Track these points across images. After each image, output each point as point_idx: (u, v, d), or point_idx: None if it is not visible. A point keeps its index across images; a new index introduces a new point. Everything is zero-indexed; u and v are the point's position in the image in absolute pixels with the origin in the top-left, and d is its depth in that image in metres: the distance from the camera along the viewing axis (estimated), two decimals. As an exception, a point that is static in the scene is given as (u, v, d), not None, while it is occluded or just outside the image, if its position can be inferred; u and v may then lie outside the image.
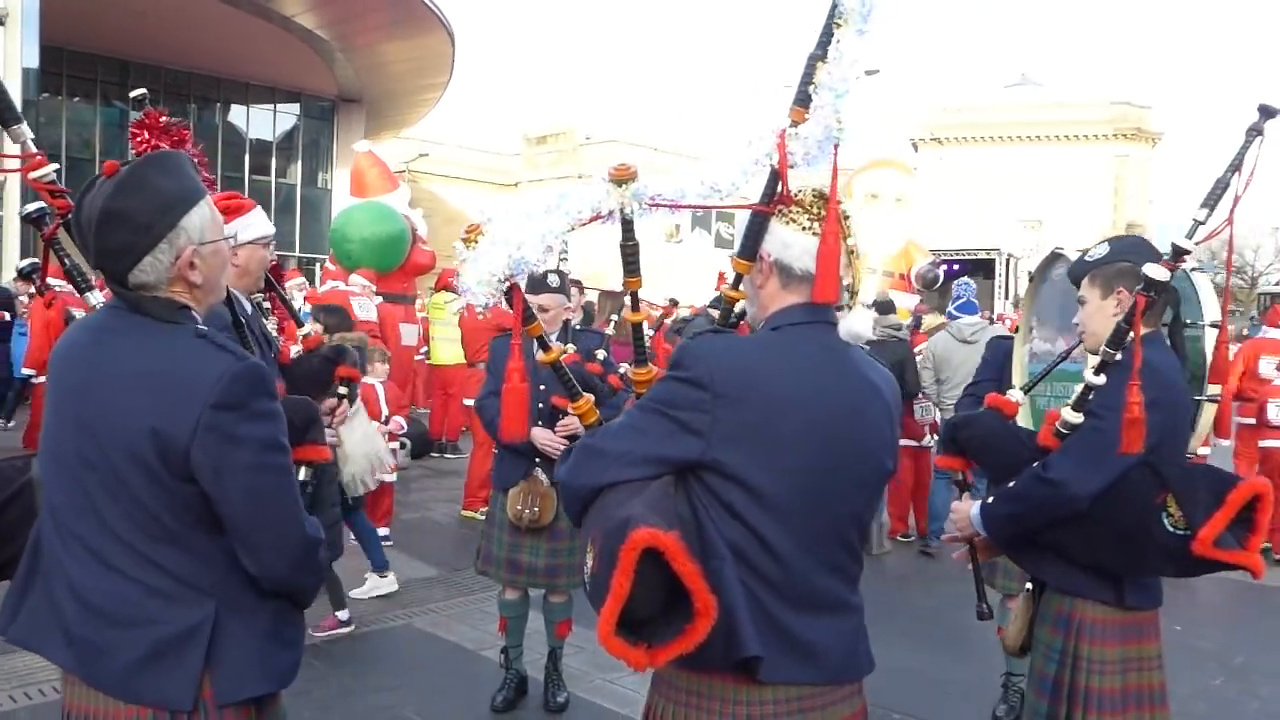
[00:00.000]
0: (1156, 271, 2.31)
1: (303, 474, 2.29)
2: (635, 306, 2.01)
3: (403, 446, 9.50)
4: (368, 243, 10.86)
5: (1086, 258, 2.63)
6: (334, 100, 34.62)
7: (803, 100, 1.82)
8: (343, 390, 2.98)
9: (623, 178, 1.82)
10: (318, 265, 27.91)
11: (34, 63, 22.74)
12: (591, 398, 2.01)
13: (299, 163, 35.17)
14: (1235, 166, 2.29)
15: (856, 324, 1.94)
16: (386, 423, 7.04)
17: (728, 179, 1.86)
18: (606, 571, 1.59)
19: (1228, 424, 9.37)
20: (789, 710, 1.80)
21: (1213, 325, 3.26)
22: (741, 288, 1.98)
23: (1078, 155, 45.17)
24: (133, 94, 3.06)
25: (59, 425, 1.82)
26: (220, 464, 1.73)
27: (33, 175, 1.98)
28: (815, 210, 1.84)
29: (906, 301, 13.30)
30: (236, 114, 34.28)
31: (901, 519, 7.98)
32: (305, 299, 11.53)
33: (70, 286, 2.12)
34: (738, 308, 2.04)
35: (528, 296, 2.12)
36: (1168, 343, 2.61)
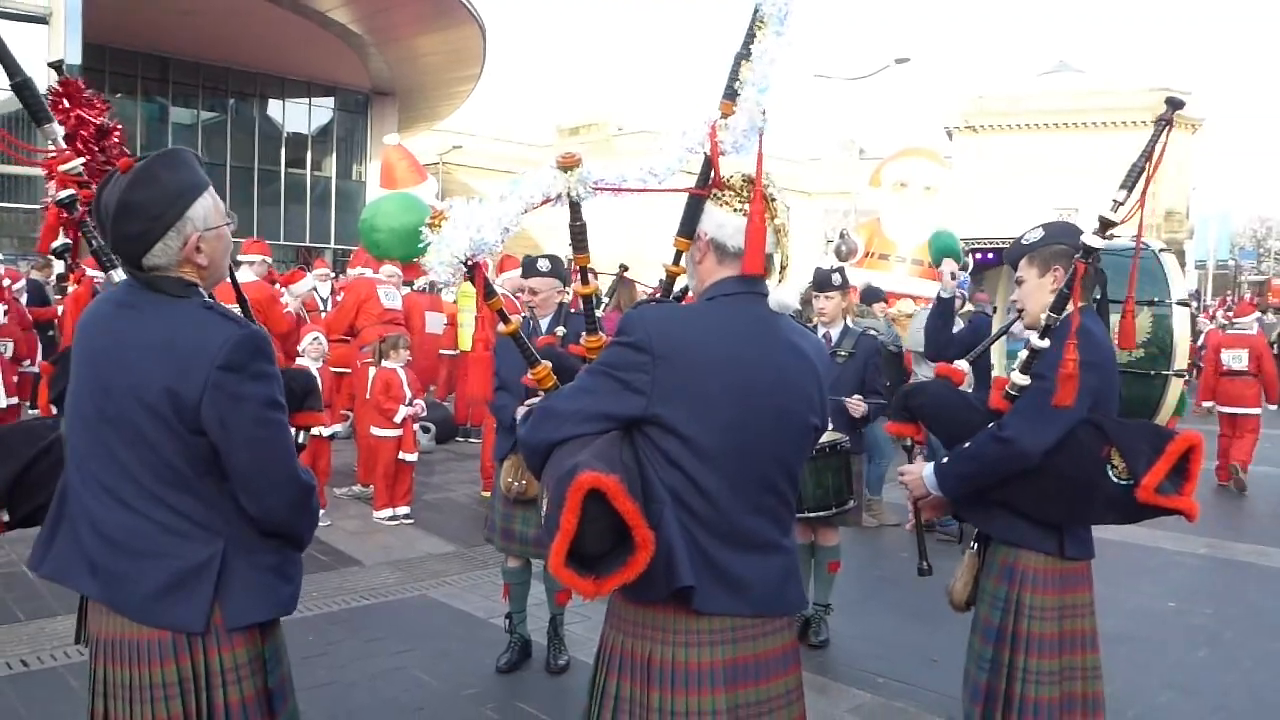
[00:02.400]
0: (1094, 240, 2.52)
1: (300, 437, 2.54)
2: (585, 280, 2.24)
3: (426, 431, 9.81)
4: (395, 233, 11.09)
5: (1023, 241, 2.83)
6: (368, 94, 35.13)
7: (730, 95, 2.03)
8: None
9: (569, 164, 2.04)
10: (352, 256, 28.36)
11: (76, 59, 23.31)
12: (549, 365, 2.23)
13: (333, 156, 35.75)
14: (1148, 153, 2.49)
15: (784, 295, 2.11)
16: (410, 405, 7.34)
17: (664, 165, 2.07)
18: (556, 510, 1.82)
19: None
20: (723, 640, 2.02)
21: (1180, 304, 3.43)
22: (682, 263, 2.19)
23: (1115, 142, 44.52)
24: (50, 61, 3.08)
25: (82, 386, 2.07)
26: (226, 418, 1.97)
27: (62, 168, 2.23)
28: (745, 193, 2.06)
29: (933, 289, 13.34)
30: (273, 108, 34.90)
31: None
32: (333, 288, 11.87)
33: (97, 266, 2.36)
34: (679, 282, 2.26)
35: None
36: (1096, 314, 2.81)
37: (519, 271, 5.36)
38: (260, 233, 31.46)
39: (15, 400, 8.70)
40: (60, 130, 2.26)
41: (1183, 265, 42.12)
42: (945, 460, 2.79)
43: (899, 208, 15.11)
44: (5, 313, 8.78)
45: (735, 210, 2.05)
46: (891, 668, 4.76)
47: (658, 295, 2.45)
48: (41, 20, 22.78)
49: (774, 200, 2.06)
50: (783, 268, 2.11)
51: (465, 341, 10.92)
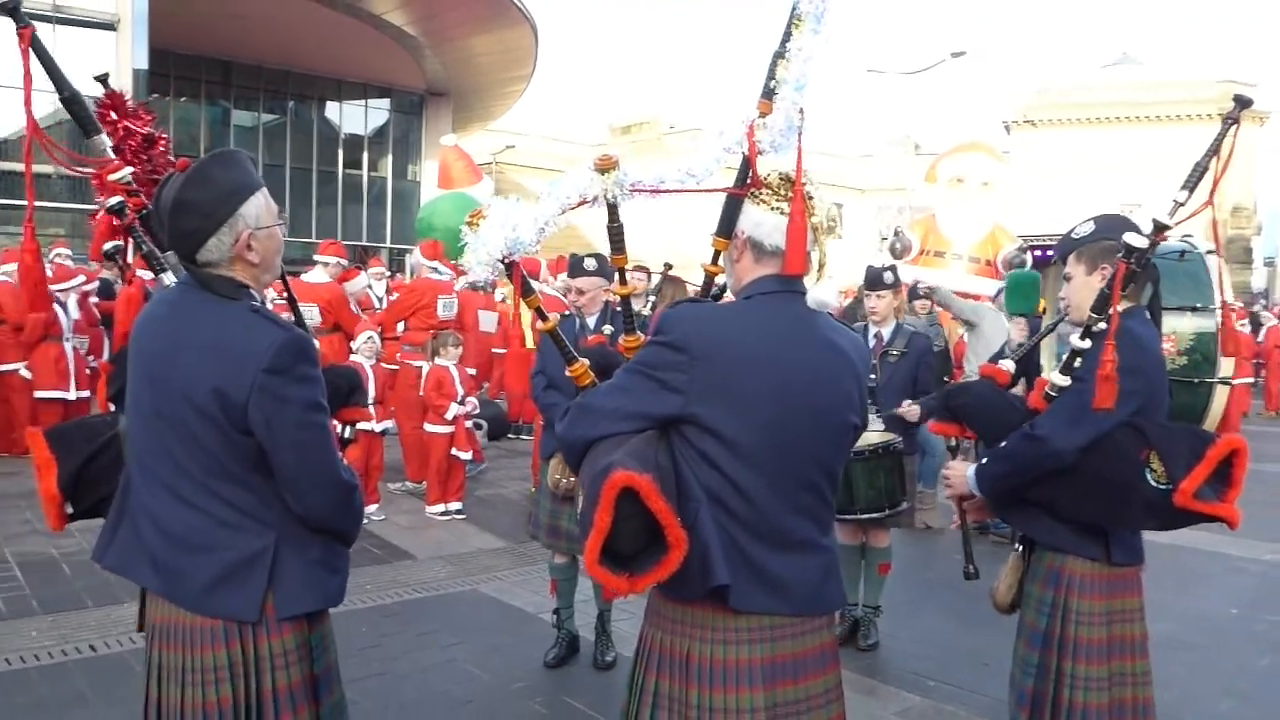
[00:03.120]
0: (1136, 239, 2.46)
1: (347, 432, 2.60)
2: (623, 280, 2.26)
3: (479, 428, 9.92)
4: (451, 231, 11.21)
5: (1073, 235, 2.77)
6: (422, 95, 35.53)
7: (767, 94, 2.03)
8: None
9: (606, 166, 2.06)
10: (407, 256, 28.73)
11: (143, 65, 23.96)
12: (587, 362, 2.26)
13: (389, 156, 36.22)
14: (1214, 150, 2.42)
15: (822, 293, 2.10)
16: (462, 403, 7.43)
17: (702, 166, 2.08)
18: (590, 508, 1.85)
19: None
20: (761, 638, 2.02)
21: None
22: (720, 262, 2.20)
23: (1179, 136, 43.36)
24: (94, 75, 3.05)
25: (139, 385, 2.15)
26: (271, 419, 2.03)
27: (111, 177, 2.31)
28: (783, 192, 2.06)
29: (990, 288, 13.14)
30: (331, 110, 35.47)
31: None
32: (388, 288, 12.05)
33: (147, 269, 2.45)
34: (718, 280, 2.26)
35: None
36: (1148, 317, 2.74)
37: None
38: (319, 233, 32.07)
39: (86, 394, 8.98)
40: (108, 141, 2.34)
41: (1249, 261, 40.92)
42: (984, 460, 2.76)
43: (955, 204, 14.89)
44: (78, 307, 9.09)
45: (773, 209, 2.05)
46: (942, 671, 4.71)
47: (700, 294, 2.46)
48: (110, 27, 23.43)
49: (812, 199, 2.05)
50: (821, 266, 2.10)
51: (527, 340, 10.99)
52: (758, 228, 2.08)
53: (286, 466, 2.07)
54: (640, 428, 2.00)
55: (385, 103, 36.11)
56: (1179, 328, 3.16)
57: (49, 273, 9.83)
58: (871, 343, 5.08)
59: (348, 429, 2.58)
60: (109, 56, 23.29)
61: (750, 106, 2.10)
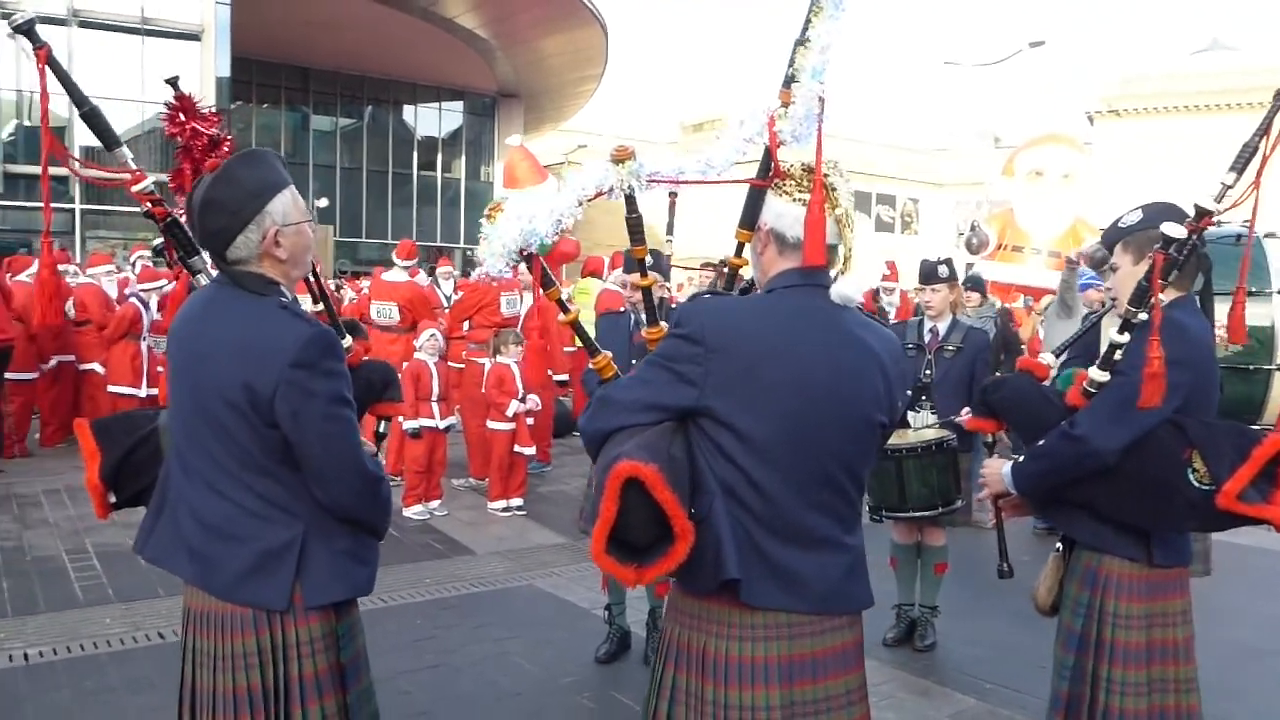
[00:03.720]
0: (1174, 229, 2.36)
1: (382, 426, 2.64)
2: (643, 272, 2.25)
3: (544, 426, 9.99)
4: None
5: (1119, 224, 2.67)
6: (494, 97, 36.03)
7: (788, 83, 2.00)
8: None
9: (622, 158, 2.06)
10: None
11: (226, 72, 24.73)
12: (610, 355, 2.26)
13: (463, 158, 36.82)
14: (1263, 131, 2.31)
15: (846, 287, 2.06)
16: (524, 401, 7.50)
17: (722, 157, 2.06)
18: (597, 498, 1.84)
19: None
20: (778, 635, 1.99)
21: None
22: (745, 255, 2.18)
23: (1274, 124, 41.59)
24: (166, 78, 3.06)
25: (177, 380, 2.22)
26: (298, 412, 2.07)
27: (135, 188, 2.39)
28: (804, 183, 2.02)
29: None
30: (406, 113, 36.19)
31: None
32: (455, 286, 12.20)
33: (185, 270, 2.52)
34: (743, 274, 2.24)
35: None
36: (1198, 306, 2.63)
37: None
38: (394, 234, 32.69)
39: (155, 391, 9.28)
40: (129, 154, 2.42)
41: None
42: (1021, 458, 2.68)
43: (1033, 197, 14.52)
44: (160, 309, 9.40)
45: (795, 200, 2.02)
46: (999, 673, 4.60)
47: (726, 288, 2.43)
48: (195, 38, 24.27)
49: (834, 190, 2.01)
50: (846, 259, 2.06)
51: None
52: (780, 219, 2.05)
53: (312, 459, 2.11)
54: (657, 419, 1.99)
55: (458, 105, 36.70)
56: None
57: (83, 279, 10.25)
58: (927, 338, 4.98)
59: (382, 423, 2.62)
60: (194, 65, 24.15)
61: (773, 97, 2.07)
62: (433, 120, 36.47)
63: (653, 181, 2.07)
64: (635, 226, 2.16)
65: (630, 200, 2.11)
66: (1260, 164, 2.33)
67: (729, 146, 2.06)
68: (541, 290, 2.21)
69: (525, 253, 2.12)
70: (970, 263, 12.38)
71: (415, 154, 35.78)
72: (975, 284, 8.13)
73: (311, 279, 2.43)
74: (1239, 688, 4.43)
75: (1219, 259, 2.65)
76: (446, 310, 10.11)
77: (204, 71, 24.19)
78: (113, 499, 2.41)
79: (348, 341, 2.48)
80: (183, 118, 2.90)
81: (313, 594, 2.15)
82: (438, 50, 30.87)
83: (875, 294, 12.61)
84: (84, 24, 23.32)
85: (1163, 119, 44.74)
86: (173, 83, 3.05)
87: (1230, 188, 2.39)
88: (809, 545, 2.00)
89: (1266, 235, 3.11)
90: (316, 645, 2.16)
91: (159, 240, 2.43)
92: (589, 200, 2.09)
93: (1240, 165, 2.37)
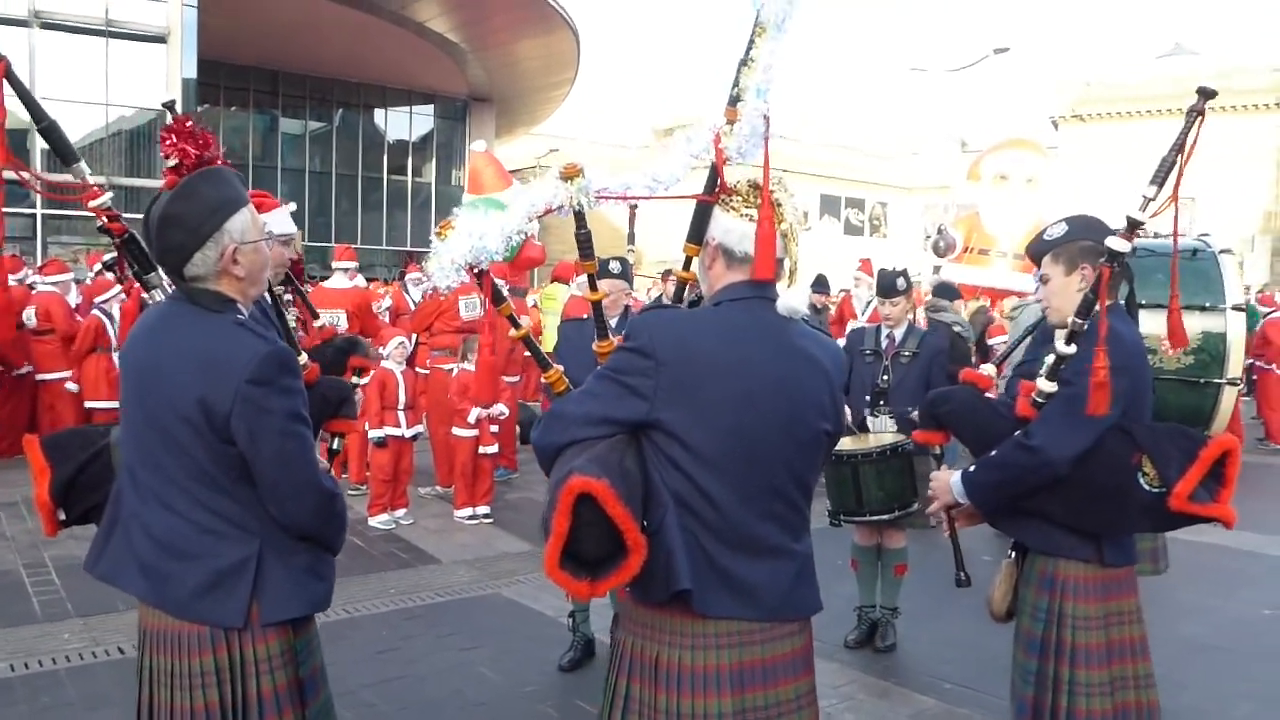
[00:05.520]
0: (1119, 244, 2.43)
1: (335, 443, 2.64)
2: (593, 287, 2.27)
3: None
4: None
5: (1045, 237, 2.75)
6: (466, 100, 35.89)
7: (733, 101, 2.04)
8: (356, 380, 3.14)
9: (571, 175, 2.08)
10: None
11: (192, 74, 24.46)
12: (560, 369, 2.28)
13: (434, 162, 36.63)
14: (1179, 146, 2.39)
15: (792, 299, 2.10)
16: (487, 407, 7.48)
17: (668, 172, 2.09)
18: (550, 512, 1.87)
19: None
20: (730, 643, 2.03)
21: (1235, 309, 3.28)
22: (693, 269, 2.21)
23: (1236, 127, 42.28)
24: (162, 101, 3.34)
25: (130, 396, 2.21)
26: (253, 429, 2.08)
27: (92, 204, 2.38)
28: (751, 198, 2.06)
29: (1034, 284, 12.92)
30: (377, 117, 35.96)
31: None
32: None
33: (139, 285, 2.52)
34: (694, 291, 2.27)
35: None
36: (1126, 314, 2.71)
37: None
38: (364, 239, 32.51)
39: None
40: (88, 170, 2.42)
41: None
42: (972, 468, 2.73)
43: (998, 201, 14.68)
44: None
45: (742, 215, 2.06)
46: (960, 673, 4.66)
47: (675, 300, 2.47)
48: (160, 40, 23.98)
49: (781, 205, 2.05)
50: (791, 272, 2.10)
51: (551, 344, 11.08)
52: (727, 234, 2.09)
53: (268, 476, 2.12)
54: (609, 433, 2.02)
55: (429, 109, 36.52)
56: (1186, 327, 3.10)
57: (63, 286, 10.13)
58: (884, 344, 5.05)
59: (336, 440, 2.63)
60: (159, 68, 23.87)
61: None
62: (404, 124, 36.26)
63: (601, 197, 2.10)
64: (584, 242, 2.19)
65: (580, 217, 2.14)
66: (1176, 178, 2.41)
67: (675, 162, 2.09)
68: (494, 305, 2.22)
69: (476, 269, 2.13)
70: (937, 265, 12.53)
71: (386, 158, 35.55)
72: (948, 292, 8.21)
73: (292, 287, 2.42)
74: (1186, 680, 4.52)
75: (1165, 272, 2.72)
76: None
77: (169, 74, 23.91)
78: (62, 516, 2.39)
79: (303, 358, 2.49)
80: (174, 139, 2.95)
81: (270, 611, 2.16)
82: (409, 54, 30.71)
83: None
84: (46, 25, 22.99)
85: (1126, 123, 45.31)
86: (169, 107, 3.12)
87: (1152, 199, 2.46)
88: (759, 554, 2.04)
89: (1223, 251, 3.19)
90: (275, 662, 2.16)
91: (110, 255, 2.42)
92: (539, 216, 2.11)
93: (1160, 179, 2.45)
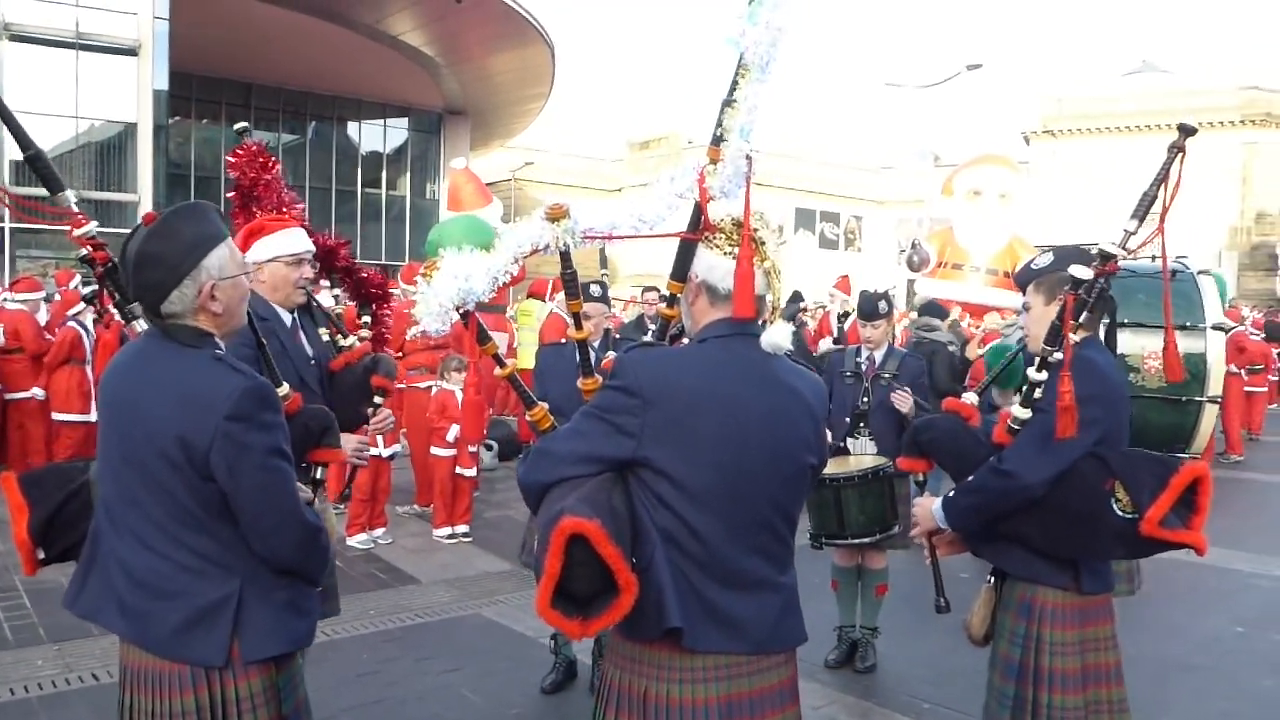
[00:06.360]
0: (1081, 271, 2.48)
1: (318, 473, 2.64)
2: (578, 325, 2.29)
3: (489, 449, 9.96)
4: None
5: (1032, 266, 2.80)
6: (441, 113, 35.85)
7: (716, 141, 2.06)
8: (378, 399, 3.35)
9: (557, 215, 2.10)
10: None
11: (163, 86, 24.30)
12: (545, 406, 2.29)
13: (408, 175, 36.57)
14: (1160, 180, 2.43)
15: (776, 335, 2.12)
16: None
17: (653, 211, 2.11)
18: (541, 553, 1.87)
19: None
20: (717, 676, 2.04)
21: (1215, 328, 3.34)
22: (677, 306, 2.23)
23: (1203, 144, 42.70)
24: (236, 127, 3.56)
25: (108, 432, 2.20)
26: (233, 465, 2.07)
27: (77, 232, 2.37)
28: (734, 236, 2.08)
29: (1012, 300, 13.06)
30: (350, 130, 35.86)
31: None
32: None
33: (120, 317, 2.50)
34: (675, 325, 2.29)
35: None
36: (1104, 345, 2.76)
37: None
38: (338, 252, 32.23)
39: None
40: (72, 198, 2.41)
41: (1274, 268, 40.35)
42: (952, 494, 2.77)
43: (972, 216, 14.84)
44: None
45: (725, 253, 2.08)
46: (938, 693, 4.69)
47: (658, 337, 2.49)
48: (132, 52, 23.82)
49: (763, 244, 2.08)
50: (774, 309, 2.12)
51: (526, 360, 11.07)
52: (711, 271, 2.11)
53: (249, 511, 2.10)
54: (596, 471, 2.03)
55: (404, 122, 36.47)
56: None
57: (54, 299, 10.04)
58: (864, 366, 5.08)
59: (318, 470, 2.62)
60: (130, 80, 23.71)
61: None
62: (378, 137, 36.19)
63: (588, 237, 2.12)
64: (570, 281, 2.20)
65: (565, 257, 2.15)
66: (1162, 212, 2.45)
67: (660, 201, 2.11)
68: (479, 345, 2.23)
69: (462, 310, 2.14)
70: (911, 279, 12.63)
71: (360, 171, 35.45)
72: (938, 311, 8.25)
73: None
74: (1165, 700, 4.58)
75: (1152, 293, 2.78)
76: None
77: (140, 86, 23.77)
78: (41, 555, 2.37)
79: (283, 389, 2.49)
80: (235, 159, 3.22)
81: (251, 649, 2.14)
82: (383, 66, 30.66)
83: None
84: (16, 38, 22.79)
85: (1096, 139, 45.96)
86: (241, 132, 3.34)
87: (1133, 233, 2.51)
88: (747, 587, 2.06)
89: (1201, 272, 3.26)
90: (257, 700, 2.15)
91: (90, 289, 2.41)
92: (524, 258, 2.13)
93: (1141, 213, 2.50)
